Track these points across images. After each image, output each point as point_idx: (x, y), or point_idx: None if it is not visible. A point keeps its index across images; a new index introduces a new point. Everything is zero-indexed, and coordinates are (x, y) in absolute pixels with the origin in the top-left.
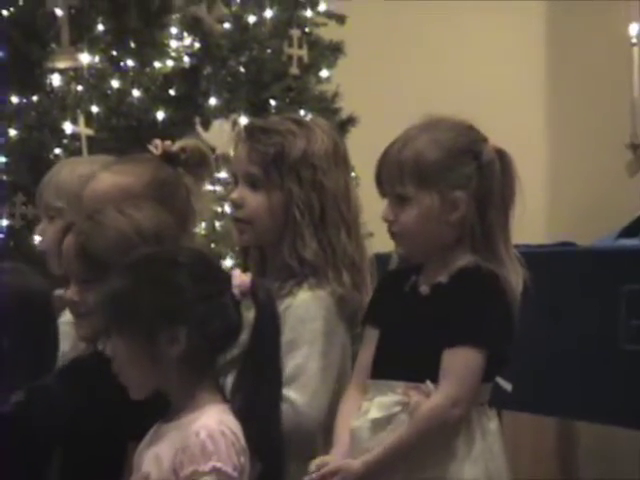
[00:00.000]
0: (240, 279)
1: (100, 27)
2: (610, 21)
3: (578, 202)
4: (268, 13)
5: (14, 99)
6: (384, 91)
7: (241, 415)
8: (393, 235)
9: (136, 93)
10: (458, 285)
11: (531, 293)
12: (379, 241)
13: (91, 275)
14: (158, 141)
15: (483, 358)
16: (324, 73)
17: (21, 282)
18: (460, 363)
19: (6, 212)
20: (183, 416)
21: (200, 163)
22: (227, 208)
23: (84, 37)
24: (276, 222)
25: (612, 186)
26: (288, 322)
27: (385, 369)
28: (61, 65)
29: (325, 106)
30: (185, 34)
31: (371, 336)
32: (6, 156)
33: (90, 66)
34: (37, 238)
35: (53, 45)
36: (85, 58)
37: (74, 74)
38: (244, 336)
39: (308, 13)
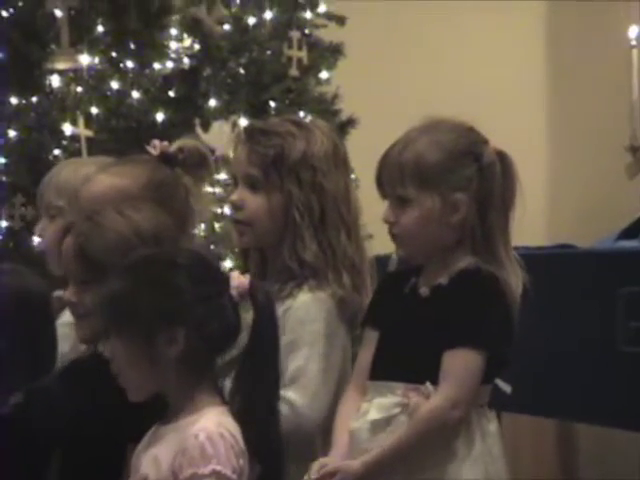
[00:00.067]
0: (238, 280)
1: (100, 28)
2: (610, 23)
3: (578, 204)
4: (268, 15)
5: (13, 100)
6: (384, 93)
7: (240, 417)
8: (394, 237)
9: (136, 94)
10: (458, 287)
11: (530, 295)
12: (379, 243)
13: (89, 276)
14: (156, 141)
15: (483, 360)
16: (324, 75)
17: (19, 283)
18: (460, 365)
19: (5, 213)
20: (182, 418)
21: (199, 163)
22: (227, 209)
23: (84, 38)
24: (276, 224)
25: (612, 188)
26: (288, 324)
27: (384, 370)
28: (61, 66)
29: (325, 108)
30: (185, 35)
31: (371, 337)
32: (5, 157)
33: (90, 67)
34: (36, 237)
35: (53, 46)
36: (85, 59)
37: (74, 75)
38: (243, 338)
39: (308, 15)
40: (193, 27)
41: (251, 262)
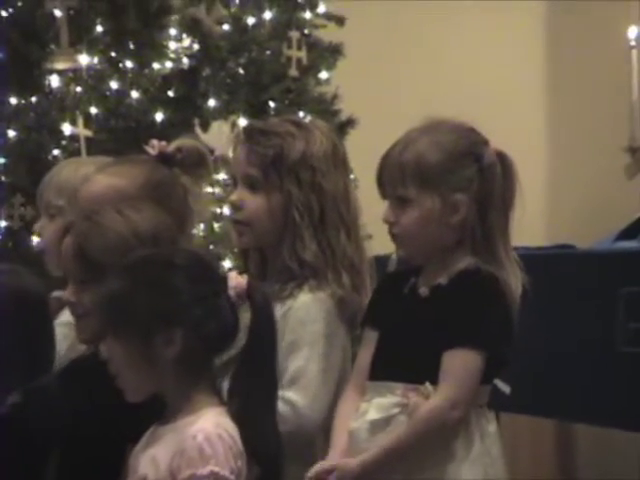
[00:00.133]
0: (236, 281)
1: (99, 28)
2: (609, 24)
3: (577, 204)
4: (267, 15)
5: (13, 100)
6: (383, 93)
7: (238, 418)
8: (394, 237)
9: (135, 94)
10: (457, 287)
11: (530, 295)
12: (378, 243)
13: (88, 276)
14: (155, 141)
15: (482, 360)
16: (323, 75)
17: (17, 283)
18: (459, 365)
19: (4, 213)
20: (180, 418)
21: (197, 163)
22: (226, 210)
23: (83, 38)
24: (275, 224)
25: (611, 189)
26: (289, 324)
27: (384, 370)
28: (60, 66)
29: (324, 108)
30: (184, 35)
31: (370, 338)
32: (5, 157)
33: (89, 67)
34: (35, 236)
35: (52, 46)
36: (84, 59)
37: (73, 75)
38: (241, 338)
39: (307, 15)
40: (192, 27)
41: (251, 262)
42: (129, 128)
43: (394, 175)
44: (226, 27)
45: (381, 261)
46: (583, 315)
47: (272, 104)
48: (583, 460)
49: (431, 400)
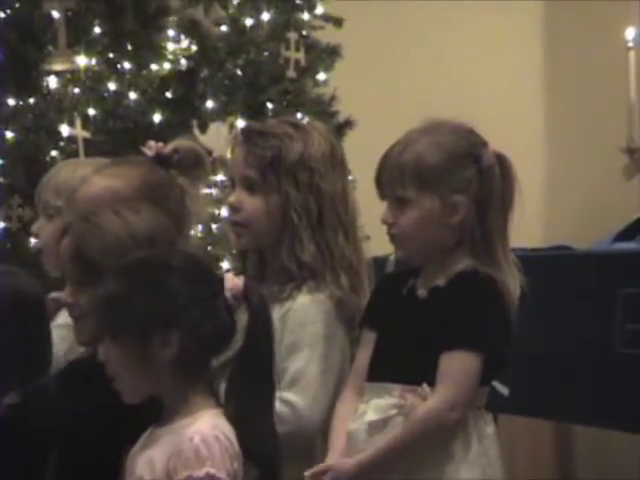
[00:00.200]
0: (232, 282)
1: (97, 29)
2: (607, 25)
3: (575, 205)
4: (265, 16)
5: (11, 101)
6: (381, 94)
7: (234, 419)
8: (392, 237)
9: (133, 96)
10: (456, 289)
11: (528, 297)
12: (376, 244)
13: (86, 277)
14: (152, 143)
15: (480, 362)
16: (321, 76)
17: (14, 284)
18: (457, 367)
19: (2, 214)
20: (177, 420)
21: (194, 164)
22: (224, 211)
23: (81, 39)
24: (274, 225)
25: (609, 190)
26: (288, 325)
27: (382, 372)
28: (58, 67)
29: (322, 109)
30: (182, 37)
31: (368, 339)
32: (2, 158)
33: (87, 68)
34: (33, 237)
35: (50, 47)
36: (82, 60)
37: (71, 76)
38: (238, 339)
39: (305, 16)
40: (190, 28)
41: (249, 264)
42: (127, 129)
43: (393, 176)
44: (224, 28)
45: (379, 262)
46: (581, 316)
47: (270, 105)
48: (582, 461)
49: (428, 401)
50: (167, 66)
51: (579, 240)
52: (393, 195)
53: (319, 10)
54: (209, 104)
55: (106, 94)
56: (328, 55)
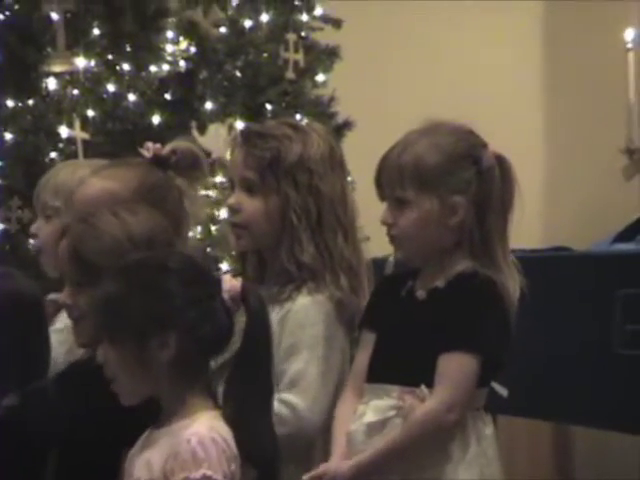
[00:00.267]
0: (230, 284)
1: (96, 31)
2: (606, 26)
3: (574, 206)
4: (264, 17)
5: (10, 103)
6: (380, 95)
7: (232, 421)
8: (392, 238)
9: (132, 97)
10: (455, 290)
11: (527, 298)
12: (376, 245)
13: (84, 279)
14: (149, 144)
15: (478, 363)
16: (320, 77)
17: (12, 286)
18: (455, 368)
19: (1, 216)
20: (174, 422)
21: (192, 165)
22: (223, 213)
23: (80, 41)
24: (273, 227)
25: (608, 190)
26: (288, 327)
27: (381, 373)
28: (57, 69)
29: (321, 110)
30: (181, 38)
31: (368, 340)
32: (2, 160)
33: (86, 70)
34: (32, 238)
35: (49, 49)
36: (81, 62)
37: (70, 78)
38: (236, 341)
39: (304, 17)
40: (189, 30)
41: (248, 265)
42: (126, 131)
43: (393, 177)
44: (223, 30)
45: (379, 263)
46: (580, 317)
47: (269, 107)
48: (580, 462)
49: (426, 403)
50: (166, 67)
51: (578, 241)
52: (392, 196)
53: (318, 11)
54: (208, 105)
55: (105, 95)
56: (327, 56)
